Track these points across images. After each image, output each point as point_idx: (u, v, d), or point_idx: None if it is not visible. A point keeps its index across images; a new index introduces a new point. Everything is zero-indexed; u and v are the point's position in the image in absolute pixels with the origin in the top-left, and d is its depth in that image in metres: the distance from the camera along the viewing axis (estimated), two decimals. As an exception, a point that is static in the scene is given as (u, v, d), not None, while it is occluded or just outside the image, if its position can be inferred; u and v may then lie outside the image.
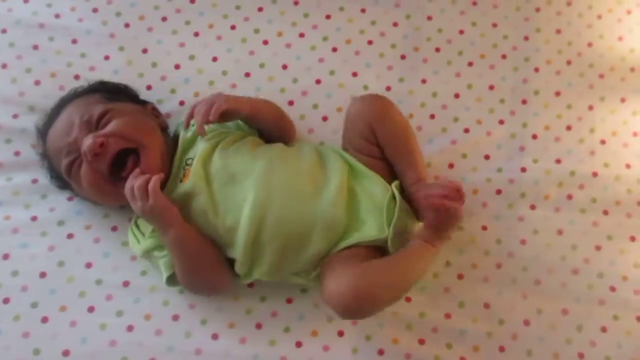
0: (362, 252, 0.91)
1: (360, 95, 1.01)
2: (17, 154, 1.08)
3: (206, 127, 0.96)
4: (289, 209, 0.90)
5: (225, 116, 0.92)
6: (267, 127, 1.01)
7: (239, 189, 0.92)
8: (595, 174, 1.10)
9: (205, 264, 0.92)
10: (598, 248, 1.06)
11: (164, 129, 1.02)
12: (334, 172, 0.95)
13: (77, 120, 0.93)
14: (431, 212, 0.89)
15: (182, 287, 0.96)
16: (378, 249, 0.93)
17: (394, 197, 0.93)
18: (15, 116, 1.10)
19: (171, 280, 0.95)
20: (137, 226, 0.98)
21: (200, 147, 0.95)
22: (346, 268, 0.86)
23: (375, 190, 0.94)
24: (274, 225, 0.89)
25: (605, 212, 1.08)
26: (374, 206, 0.93)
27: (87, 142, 0.90)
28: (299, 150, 0.99)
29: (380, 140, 0.96)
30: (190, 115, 0.95)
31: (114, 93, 1.01)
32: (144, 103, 1.04)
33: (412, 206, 0.95)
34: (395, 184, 0.96)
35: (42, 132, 0.99)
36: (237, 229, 0.91)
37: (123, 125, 0.92)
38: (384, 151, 0.97)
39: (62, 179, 0.98)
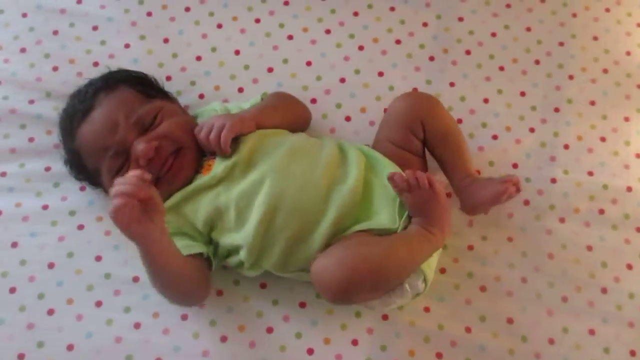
0: (366, 236, 0.88)
1: (404, 93, 1.01)
2: (31, 140, 1.06)
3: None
4: (304, 199, 0.88)
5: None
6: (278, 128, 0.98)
7: (256, 173, 0.90)
8: (629, 189, 1.05)
9: (173, 279, 0.87)
10: (629, 267, 1.01)
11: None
12: (353, 168, 0.93)
13: (122, 119, 0.90)
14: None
15: None
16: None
17: None
18: (31, 102, 1.08)
19: None
20: None
21: None
22: (338, 244, 0.85)
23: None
24: (288, 213, 0.87)
25: (638, 230, 1.03)
26: (388, 197, 0.91)
27: (140, 146, 0.88)
28: (320, 142, 0.97)
29: (430, 135, 0.97)
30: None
31: (147, 86, 0.98)
32: (173, 98, 1.02)
33: (461, 200, 0.97)
34: None
35: (72, 125, 0.93)
36: (249, 212, 0.88)
37: (174, 127, 0.91)
38: (432, 146, 0.98)
39: (85, 173, 0.95)
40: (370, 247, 0.83)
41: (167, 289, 0.88)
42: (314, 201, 0.88)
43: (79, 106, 0.94)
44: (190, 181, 0.92)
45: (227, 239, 0.90)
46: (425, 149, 1.00)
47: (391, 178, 0.87)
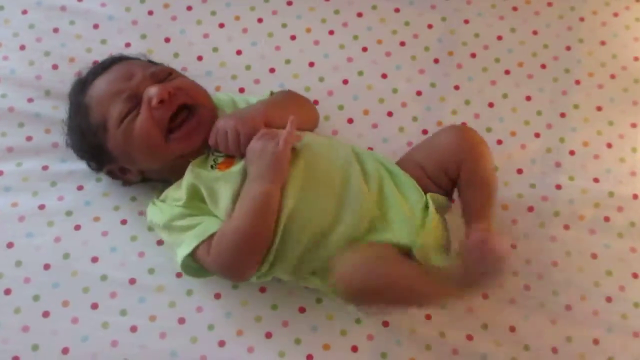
0: (385, 248, 0.86)
1: (454, 125, 0.98)
2: (29, 139, 1.04)
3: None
4: (319, 202, 0.87)
5: None
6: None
7: None
8: (635, 197, 1.04)
9: (265, 239, 0.86)
10: (635, 276, 1.00)
11: None
12: (370, 170, 0.92)
13: (140, 72, 0.93)
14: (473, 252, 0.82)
15: (199, 268, 0.89)
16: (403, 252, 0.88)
17: (426, 207, 0.90)
18: (30, 100, 1.07)
19: (189, 260, 0.88)
20: (162, 200, 0.93)
21: None
22: (365, 250, 0.85)
23: (410, 194, 0.91)
24: (304, 218, 0.86)
25: (644, 238, 1.02)
26: (407, 210, 0.89)
27: (154, 89, 0.90)
28: (333, 144, 0.95)
29: (463, 181, 0.91)
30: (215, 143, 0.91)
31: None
32: None
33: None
34: (430, 195, 0.91)
35: (87, 80, 0.95)
36: None
37: (189, 84, 0.95)
38: (461, 190, 0.92)
39: (88, 136, 0.94)
40: (396, 274, 0.82)
41: (258, 242, 0.85)
42: (329, 205, 0.87)
43: (97, 67, 0.98)
44: (202, 157, 0.92)
45: None
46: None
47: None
